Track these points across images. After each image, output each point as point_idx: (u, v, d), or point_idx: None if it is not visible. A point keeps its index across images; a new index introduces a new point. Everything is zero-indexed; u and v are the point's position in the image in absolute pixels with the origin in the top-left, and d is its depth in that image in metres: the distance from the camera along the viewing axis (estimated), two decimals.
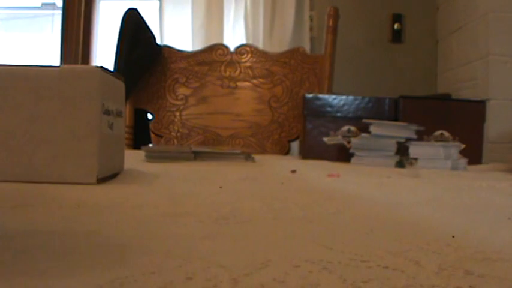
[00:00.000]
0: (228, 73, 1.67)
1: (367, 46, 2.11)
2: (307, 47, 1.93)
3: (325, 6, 1.75)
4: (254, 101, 1.66)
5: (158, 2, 2.03)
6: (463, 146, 1.13)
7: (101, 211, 0.42)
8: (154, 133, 1.65)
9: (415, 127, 1.16)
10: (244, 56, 1.68)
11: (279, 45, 1.92)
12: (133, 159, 0.96)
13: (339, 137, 1.26)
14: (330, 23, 1.63)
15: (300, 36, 2.02)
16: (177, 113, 1.66)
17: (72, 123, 0.57)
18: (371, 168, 1.01)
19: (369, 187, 0.68)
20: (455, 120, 1.28)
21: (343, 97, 1.30)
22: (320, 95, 1.32)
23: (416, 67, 2.12)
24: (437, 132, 1.26)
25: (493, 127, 1.63)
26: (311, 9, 2.07)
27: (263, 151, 1.61)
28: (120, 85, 0.68)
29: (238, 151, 1.11)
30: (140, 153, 1.06)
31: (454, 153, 1.10)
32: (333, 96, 1.31)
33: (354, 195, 0.59)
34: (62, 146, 0.56)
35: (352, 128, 1.26)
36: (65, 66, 0.59)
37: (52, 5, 2.33)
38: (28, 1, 2.39)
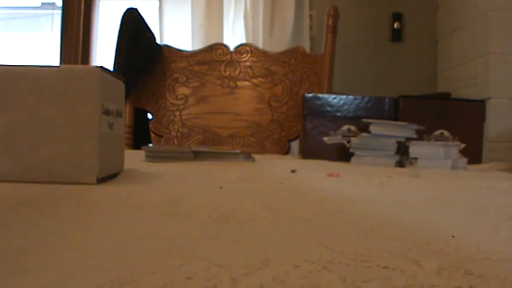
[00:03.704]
0: (227, 73, 1.67)
1: (367, 45, 2.11)
2: (307, 46, 1.93)
3: (325, 5, 1.75)
4: (254, 101, 1.66)
5: (158, 2, 2.03)
6: (463, 145, 1.13)
7: (101, 211, 0.42)
8: (154, 133, 1.65)
9: (415, 126, 1.16)
10: (244, 55, 1.68)
11: (279, 44, 1.92)
12: (133, 159, 0.96)
13: (339, 136, 1.26)
14: (330, 22, 1.63)
15: (299, 36, 2.02)
16: (177, 113, 1.66)
17: (72, 123, 0.57)
18: (371, 168, 1.01)
19: (368, 187, 0.68)
20: (455, 119, 1.28)
21: (343, 96, 1.30)
22: (320, 95, 1.32)
23: (416, 66, 2.12)
24: (437, 132, 1.26)
25: (493, 126, 1.63)
26: (311, 8, 2.07)
27: (263, 151, 1.61)
28: (120, 85, 0.68)
29: (238, 151, 1.11)
30: (140, 153, 1.06)
31: (454, 152, 1.10)
32: (333, 96, 1.31)
33: (354, 195, 0.59)
34: (61, 146, 0.56)
35: (352, 128, 1.26)
36: (65, 66, 0.59)
37: (52, 5, 2.33)
38: (28, 1, 2.39)
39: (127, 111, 1.64)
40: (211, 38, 1.94)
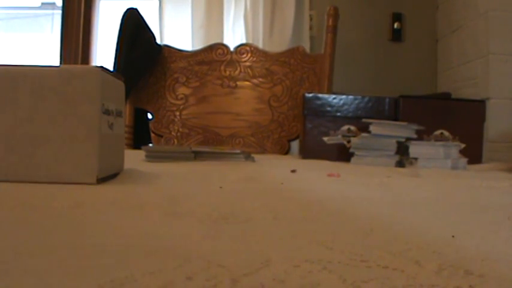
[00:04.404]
0: (227, 72, 1.67)
1: (367, 45, 2.11)
2: (307, 47, 1.93)
3: (325, 5, 1.75)
4: (254, 101, 1.66)
5: (158, 2, 2.03)
6: (463, 145, 1.13)
7: (101, 211, 0.42)
8: (154, 133, 1.65)
9: (415, 127, 1.16)
10: (244, 55, 1.68)
11: (279, 44, 1.92)
12: (133, 159, 0.96)
13: (339, 136, 1.26)
14: (330, 22, 1.63)
15: (299, 36, 2.01)
16: (177, 113, 1.66)
17: (72, 123, 0.57)
18: (371, 168, 1.01)
19: (368, 187, 0.68)
20: (455, 119, 1.28)
21: (343, 97, 1.30)
22: (320, 95, 1.32)
23: (416, 66, 2.12)
24: (437, 132, 1.26)
25: (493, 126, 1.63)
26: (311, 8, 2.07)
27: (263, 151, 1.61)
28: (120, 85, 0.68)
29: (238, 151, 1.11)
30: (140, 153, 1.06)
31: (454, 152, 1.10)
32: (333, 96, 1.31)
33: (354, 195, 0.59)
34: (62, 146, 0.56)
35: (352, 128, 1.26)
36: (65, 66, 0.59)
37: (52, 5, 2.33)
38: (28, 1, 2.39)
39: (127, 111, 1.63)
40: (211, 38, 1.94)
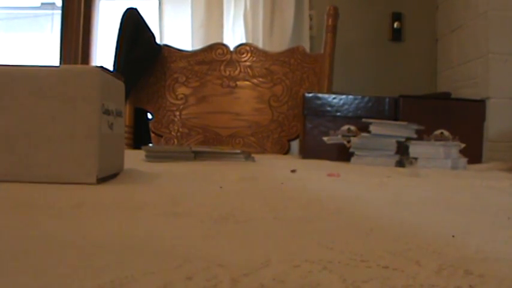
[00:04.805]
0: (227, 72, 1.67)
1: (367, 45, 2.11)
2: (306, 46, 1.93)
3: (325, 5, 1.75)
4: (254, 100, 1.66)
5: (158, 2, 2.03)
6: (463, 145, 1.13)
7: (101, 211, 0.42)
8: (154, 132, 1.65)
9: (415, 126, 1.16)
10: (244, 55, 1.68)
11: (279, 44, 1.92)
12: (133, 159, 0.96)
13: (339, 136, 1.26)
14: (330, 22, 1.63)
15: (299, 35, 2.02)
16: (177, 113, 1.66)
17: (72, 123, 0.56)
18: (371, 168, 1.01)
19: (368, 187, 0.68)
20: (455, 119, 1.27)
21: (343, 96, 1.30)
22: (320, 94, 1.32)
23: (416, 66, 2.12)
24: (437, 132, 1.26)
25: (493, 126, 1.63)
26: (311, 8, 2.07)
27: (263, 150, 1.61)
28: (120, 85, 0.68)
29: (238, 151, 1.11)
30: (140, 153, 1.06)
31: (454, 152, 1.10)
32: (333, 96, 1.30)
33: (354, 194, 0.59)
34: (61, 146, 0.56)
35: (352, 128, 1.26)
36: (65, 66, 0.59)
37: (52, 5, 2.33)
38: (28, 1, 2.39)
39: (127, 111, 1.63)
40: (211, 38, 1.94)
